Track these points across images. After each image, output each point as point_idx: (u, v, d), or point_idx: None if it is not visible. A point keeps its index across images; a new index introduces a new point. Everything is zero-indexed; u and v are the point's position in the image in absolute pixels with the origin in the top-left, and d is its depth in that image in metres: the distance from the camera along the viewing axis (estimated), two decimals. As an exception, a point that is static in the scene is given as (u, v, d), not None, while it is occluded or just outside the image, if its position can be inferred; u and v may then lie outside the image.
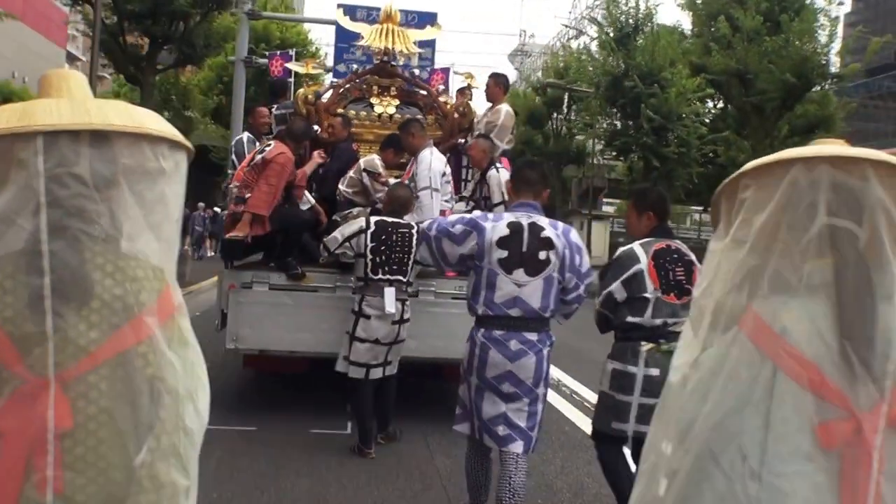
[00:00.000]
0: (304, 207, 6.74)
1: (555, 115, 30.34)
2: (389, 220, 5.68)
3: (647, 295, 4.15)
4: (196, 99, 29.45)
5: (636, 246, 4.30)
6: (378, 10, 18.12)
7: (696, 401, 2.01)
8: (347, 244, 5.74)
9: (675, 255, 4.21)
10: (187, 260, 17.10)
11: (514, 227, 4.12)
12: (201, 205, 24.12)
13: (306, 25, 31.46)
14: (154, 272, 1.98)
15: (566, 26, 35.42)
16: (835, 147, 1.96)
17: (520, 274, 4.11)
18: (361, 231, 5.67)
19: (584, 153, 28.22)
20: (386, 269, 5.62)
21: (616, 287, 4.14)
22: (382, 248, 5.62)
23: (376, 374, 5.70)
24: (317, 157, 6.91)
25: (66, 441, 1.81)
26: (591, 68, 24.32)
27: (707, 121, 22.43)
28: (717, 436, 1.94)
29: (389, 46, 7.50)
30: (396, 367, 5.84)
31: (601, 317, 4.38)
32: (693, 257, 4.25)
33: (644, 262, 4.17)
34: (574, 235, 4.41)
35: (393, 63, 7.66)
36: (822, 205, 1.85)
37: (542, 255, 4.12)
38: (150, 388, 1.92)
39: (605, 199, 29.30)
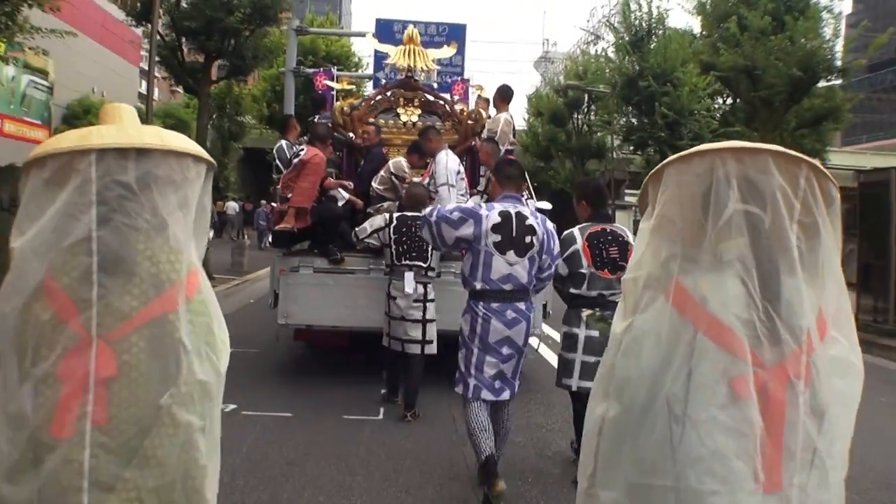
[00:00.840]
0: (340, 203, 6.92)
1: (576, 114, 29.95)
2: (409, 214, 5.84)
3: (582, 270, 4.46)
4: (248, 106, 29.25)
5: (575, 230, 4.60)
6: (415, 22, 18.44)
7: (631, 359, 2.10)
8: (375, 235, 6.00)
9: (610, 237, 4.48)
10: (244, 250, 17.16)
11: (505, 216, 4.31)
12: (263, 202, 24.07)
13: (349, 39, 31.40)
14: (181, 258, 2.21)
15: (584, 30, 35.06)
16: (740, 142, 2.07)
17: (511, 255, 4.31)
18: (385, 226, 5.91)
19: (605, 148, 27.89)
20: (407, 256, 5.81)
21: (560, 264, 4.42)
22: (404, 238, 5.82)
23: (410, 349, 5.83)
24: (345, 184, 7.16)
25: (112, 385, 2.07)
26: (607, 70, 23.96)
27: (718, 116, 22.01)
28: (650, 389, 2.03)
29: (412, 64, 7.72)
30: (435, 347, 5.87)
31: (555, 288, 4.66)
32: (630, 238, 4.48)
33: (579, 244, 4.46)
34: (549, 223, 4.60)
35: (416, 78, 7.86)
36: (734, 193, 1.93)
37: (528, 239, 4.33)
38: (174, 348, 2.15)
39: (627, 191, 28.95)
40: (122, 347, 2.10)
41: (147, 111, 11.39)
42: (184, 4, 17.05)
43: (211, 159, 2.32)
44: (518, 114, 32.30)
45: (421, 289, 5.79)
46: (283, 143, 7.56)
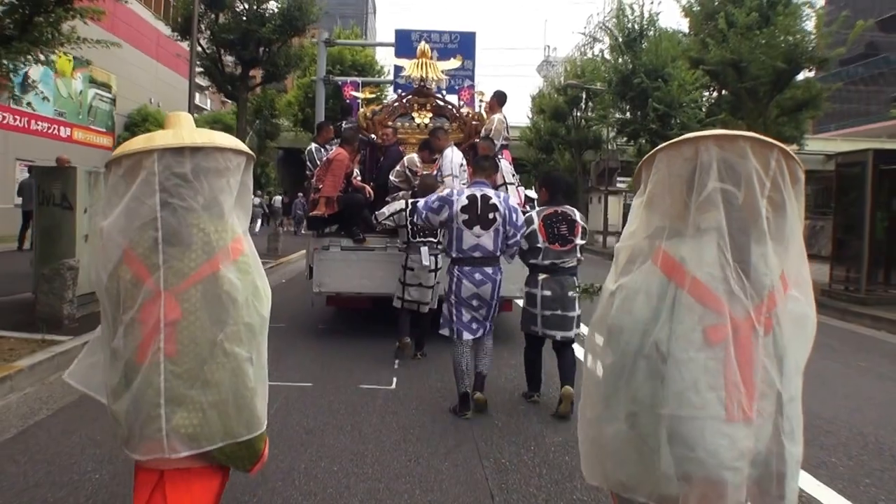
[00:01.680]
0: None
1: (574, 110, 30.02)
2: (419, 201, 6.17)
3: (538, 245, 4.87)
4: (282, 109, 29.45)
5: (533, 213, 5.02)
6: (430, 31, 18.62)
7: (623, 312, 2.17)
8: (391, 218, 6.38)
9: (560, 217, 4.86)
10: (279, 236, 17.00)
11: (471, 199, 4.75)
12: (300, 194, 24.39)
13: (372, 49, 31.49)
14: (226, 226, 2.43)
15: (582, 34, 34.75)
16: (722, 130, 2.11)
17: (477, 229, 4.74)
18: (402, 209, 6.29)
19: (600, 140, 27.80)
20: (421, 234, 6.20)
21: (521, 241, 4.86)
22: (415, 219, 6.03)
23: (423, 309, 6.38)
24: (368, 188, 7.39)
25: (178, 326, 2.31)
26: (603, 69, 23.87)
27: (704, 107, 21.85)
28: (641, 336, 2.11)
29: (424, 75, 8.13)
30: (436, 303, 6.27)
31: (521, 259, 5.08)
32: (577, 217, 4.90)
33: (536, 223, 4.87)
34: (511, 202, 5.01)
35: (427, 86, 8.25)
36: (714, 173, 1.99)
37: (491, 215, 4.73)
38: (223, 298, 2.37)
39: (619, 178, 28.74)
40: (184, 298, 2.34)
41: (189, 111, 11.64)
42: (222, 19, 17.17)
43: (249, 151, 2.54)
44: (522, 112, 32.28)
45: (434, 259, 6.22)
46: (313, 146, 7.89)
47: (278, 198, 30.28)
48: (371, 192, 7.33)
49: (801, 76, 17.71)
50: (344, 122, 8.65)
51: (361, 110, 8.45)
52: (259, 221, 26.29)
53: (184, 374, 2.34)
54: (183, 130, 2.44)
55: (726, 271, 2.01)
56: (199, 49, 17.09)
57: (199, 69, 17.19)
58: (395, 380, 5.57)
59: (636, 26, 21.96)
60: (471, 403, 4.70)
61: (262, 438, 2.63)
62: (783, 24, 15.20)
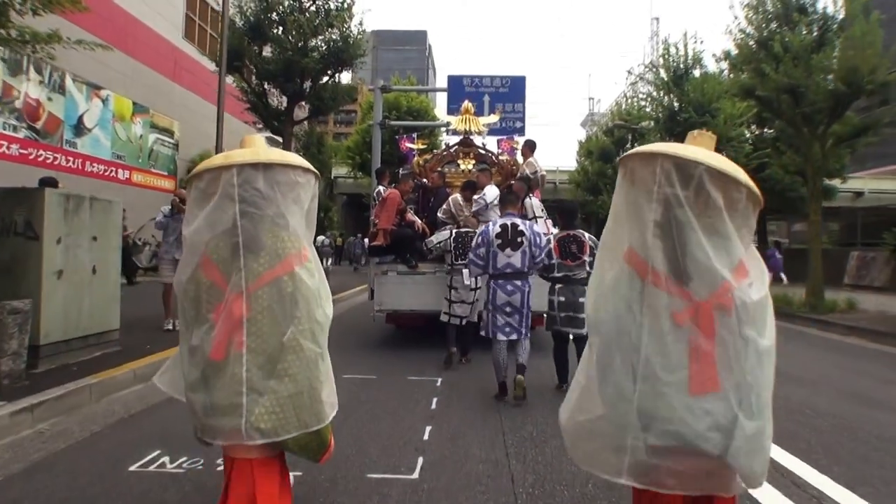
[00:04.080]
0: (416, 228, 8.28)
1: (621, 151, 30.25)
2: (463, 231, 7.54)
3: (554, 262, 6.08)
4: (329, 144, 29.73)
5: (550, 236, 6.24)
6: (482, 76, 19.75)
7: (604, 305, 2.31)
8: (440, 245, 7.62)
9: (572, 238, 6.05)
10: (330, 275, 17.12)
11: (503, 227, 5.77)
12: (359, 234, 25.79)
13: (426, 95, 32.47)
14: (293, 236, 2.55)
15: (629, 72, 35.26)
16: (676, 146, 2.20)
17: (508, 251, 5.73)
18: (448, 239, 7.53)
19: None
20: (462, 258, 7.08)
21: (545, 258, 5.92)
22: (459, 247, 7.33)
23: (465, 321, 7.31)
24: (419, 222, 8.45)
25: (249, 323, 2.43)
26: (649, 109, 24.82)
27: (750, 142, 22.46)
28: (616, 326, 2.24)
29: (467, 129, 9.58)
30: (476, 316, 7.19)
31: (541, 274, 6.13)
32: (586, 238, 6.04)
33: (552, 244, 6.09)
34: (536, 228, 5.99)
35: (471, 137, 9.70)
36: (665, 180, 2.12)
37: (519, 239, 5.71)
38: (291, 297, 2.49)
39: None
40: (256, 297, 2.45)
41: (217, 140, 12.03)
42: (266, 52, 17.12)
43: (314, 170, 2.68)
44: (570, 156, 33.05)
45: (474, 280, 7.15)
46: (380, 187, 8.95)
47: (321, 238, 31.05)
48: (422, 226, 8.44)
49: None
50: (401, 169, 10.14)
51: (416, 158, 9.90)
52: (329, 260, 27.36)
53: (262, 366, 2.45)
54: (258, 149, 2.59)
55: (682, 263, 2.14)
56: (245, 84, 17.32)
57: (245, 106, 17.50)
58: (440, 379, 6.57)
59: (681, 65, 22.85)
60: (508, 391, 5.69)
61: (328, 429, 2.77)
62: (845, 43, 14.20)
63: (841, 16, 14.82)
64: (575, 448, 2.47)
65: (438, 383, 6.44)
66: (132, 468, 3.95)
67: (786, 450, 4.53)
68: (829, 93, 13.97)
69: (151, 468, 3.95)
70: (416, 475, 3.86)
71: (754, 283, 2.24)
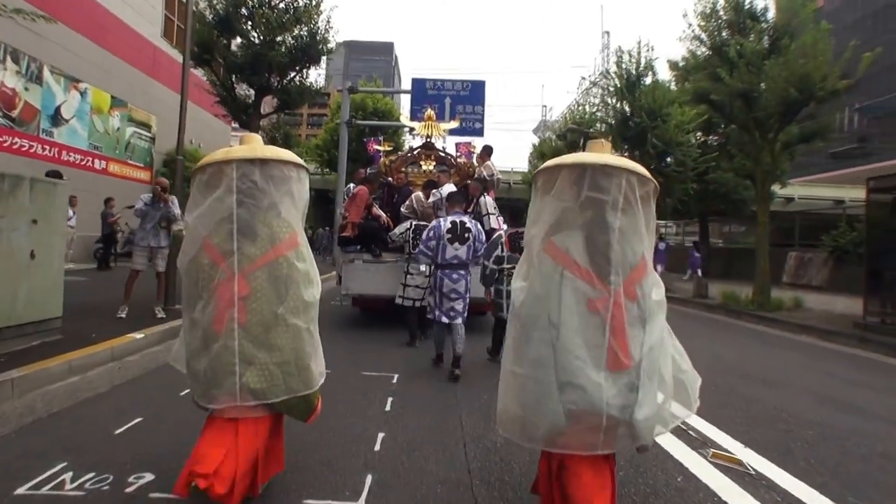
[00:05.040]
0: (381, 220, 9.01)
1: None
2: (421, 224, 8.29)
3: (504, 254, 6.63)
4: (295, 139, 29.58)
5: (501, 231, 6.97)
6: (444, 80, 20.48)
7: (524, 292, 2.53)
8: (401, 235, 8.39)
9: (521, 235, 5.79)
10: None
11: (453, 223, 6.38)
12: (328, 227, 26.42)
13: (391, 97, 33.27)
14: (285, 223, 2.75)
15: (584, 78, 35.72)
16: (597, 155, 2.46)
17: (457, 245, 6.33)
18: (408, 230, 8.34)
19: None
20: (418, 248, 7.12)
21: (488, 251, 6.53)
22: (417, 238, 7.93)
23: (418, 303, 7.94)
24: (384, 216, 9.03)
25: (247, 300, 2.63)
26: (600, 114, 25.45)
27: (699, 147, 23.22)
28: (536, 309, 2.44)
29: (429, 133, 10.57)
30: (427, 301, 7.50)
31: (493, 265, 6.56)
32: None
33: (503, 239, 6.85)
34: (479, 227, 6.64)
35: (432, 142, 10.68)
36: (587, 184, 2.40)
37: (466, 235, 6.35)
38: (284, 279, 2.69)
39: None
40: (252, 278, 2.59)
41: (179, 132, 10.83)
42: (234, 47, 17.20)
43: (305, 165, 2.87)
44: (524, 157, 33.44)
45: (428, 268, 7.56)
46: (351, 185, 9.77)
47: None
48: (387, 220, 9.15)
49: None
50: (368, 169, 11.03)
51: (382, 159, 10.83)
52: None
53: (254, 339, 2.55)
54: (256, 146, 2.70)
55: (596, 256, 2.29)
56: (214, 77, 17.42)
57: (215, 99, 17.67)
58: (396, 376, 6.32)
59: (634, 71, 23.66)
60: (444, 360, 6.50)
61: (316, 395, 2.92)
62: (798, 50, 14.31)
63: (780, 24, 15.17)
64: (503, 423, 2.67)
65: (395, 380, 6.19)
66: (20, 490, 3.29)
67: (784, 468, 4.17)
68: (780, 98, 14.22)
69: (44, 490, 3.29)
70: (361, 501, 3.31)
71: (654, 281, 2.49)
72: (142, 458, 3.80)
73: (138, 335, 7.00)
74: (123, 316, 8.26)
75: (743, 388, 6.60)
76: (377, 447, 4.19)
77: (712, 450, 4.39)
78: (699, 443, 4.64)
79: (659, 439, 4.03)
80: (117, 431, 4.35)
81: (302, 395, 2.74)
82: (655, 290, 2.51)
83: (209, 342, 2.64)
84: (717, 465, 4.15)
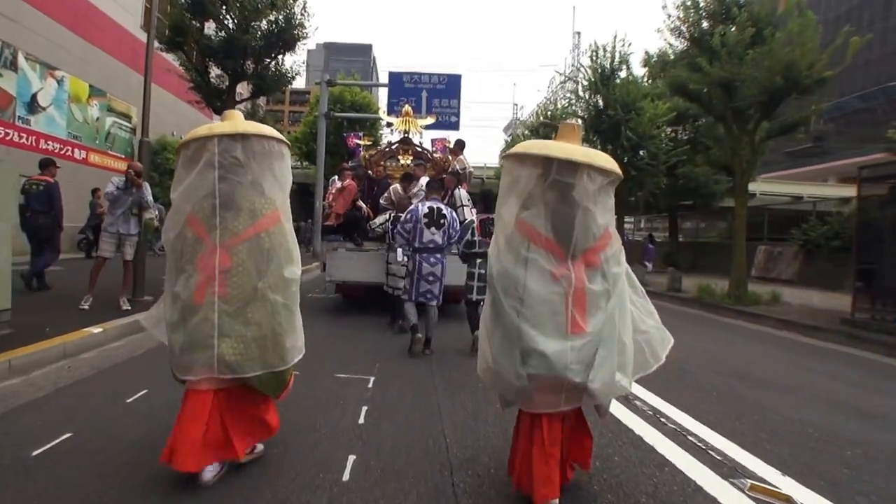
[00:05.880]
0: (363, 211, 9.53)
1: None
2: (399, 215, 8.29)
3: (476, 239, 6.86)
4: (270, 124, 28.94)
5: (473, 217, 7.29)
6: (421, 74, 21.12)
7: (498, 264, 2.63)
8: (382, 225, 8.78)
9: (491, 221, 6.42)
10: None
11: (430, 209, 6.65)
12: (310, 220, 26.41)
13: (369, 90, 33.19)
14: (268, 200, 2.81)
15: (558, 72, 35.79)
16: (562, 145, 2.56)
17: (433, 229, 6.63)
18: (387, 220, 8.72)
19: None
20: (394, 240, 7.88)
21: (465, 236, 6.74)
22: (395, 228, 7.92)
23: (397, 292, 8.05)
24: (365, 207, 9.43)
25: (228, 273, 2.68)
26: (575, 108, 25.55)
27: (671, 141, 23.64)
28: (505, 280, 2.55)
29: (407, 129, 10.99)
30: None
31: (465, 249, 6.78)
32: None
33: (475, 224, 6.94)
34: (455, 214, 6.97)
35: (410, 137, 11.12)
36: (555, 169, 2.46)
37: (441, 220, 6.61)
38: (266, 254, 2.74)
39: None
40: (234, 252, 2.65)
41: (144, 114, 10.15)
42: (208, 30, 16.79)
43: (286, 140, 2.93)
44: (497, 152, 32.99)
45: (405, 258, 7.55)
46: (334, 178, 10.19)
47: None
48: (368, 211, 9.70)
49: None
50: (349, 162, 11.43)
51: (362, 153, 11.28)
52: None
53: (233, 312, 2.59)
54: (237, 122, 2.73)
55: (560, 230, 2.41)
56: (188, 63, 16.85)
57: (189, 85, 17.29)
58: (372, 379, 5.78)
59: (608, 65, 23.77)
60: (418, 332, 6.60)
61: (289, 371, 2.94)
62: (783, 38, 13.83)
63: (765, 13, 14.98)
64: (482, 375, 2.85)
65: (370, 384, 5.54)
66: None
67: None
68: (763, 87, 13.73)
69: None
70: None
71: (615, 251, 2.60)
72: (51, 495, 2.98)
73: (96, 329, 6.45)
74: (86, 307, 7.79)
75: (749, 393, 6.03)
76: (346, 476, 3.41)
77: (750, 482, 3.66)
78: (728, 469, 3.91)
79: (682, 464, 3.82)
80: (35, 453, 3.53)
81: (277, 370, 2.82)
82: (617, 258, 2.65)
83: (188, 315, 2.70)
84: (759, 502, 3.44)
